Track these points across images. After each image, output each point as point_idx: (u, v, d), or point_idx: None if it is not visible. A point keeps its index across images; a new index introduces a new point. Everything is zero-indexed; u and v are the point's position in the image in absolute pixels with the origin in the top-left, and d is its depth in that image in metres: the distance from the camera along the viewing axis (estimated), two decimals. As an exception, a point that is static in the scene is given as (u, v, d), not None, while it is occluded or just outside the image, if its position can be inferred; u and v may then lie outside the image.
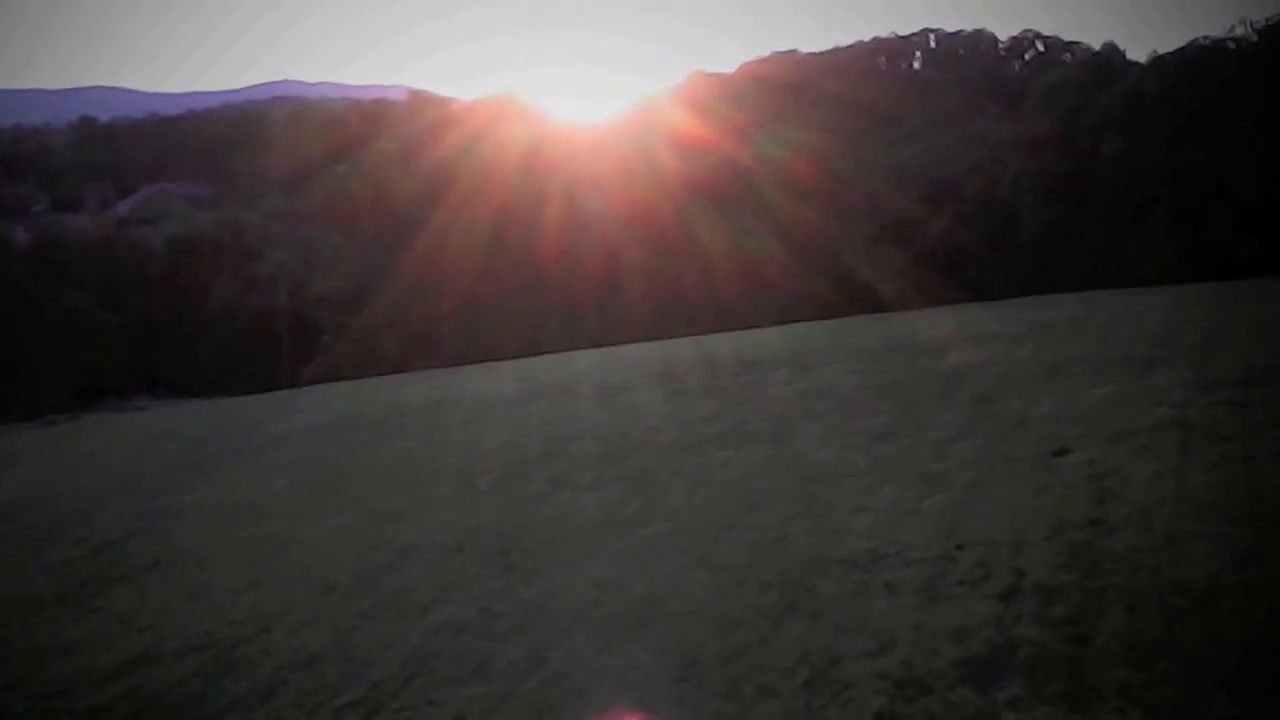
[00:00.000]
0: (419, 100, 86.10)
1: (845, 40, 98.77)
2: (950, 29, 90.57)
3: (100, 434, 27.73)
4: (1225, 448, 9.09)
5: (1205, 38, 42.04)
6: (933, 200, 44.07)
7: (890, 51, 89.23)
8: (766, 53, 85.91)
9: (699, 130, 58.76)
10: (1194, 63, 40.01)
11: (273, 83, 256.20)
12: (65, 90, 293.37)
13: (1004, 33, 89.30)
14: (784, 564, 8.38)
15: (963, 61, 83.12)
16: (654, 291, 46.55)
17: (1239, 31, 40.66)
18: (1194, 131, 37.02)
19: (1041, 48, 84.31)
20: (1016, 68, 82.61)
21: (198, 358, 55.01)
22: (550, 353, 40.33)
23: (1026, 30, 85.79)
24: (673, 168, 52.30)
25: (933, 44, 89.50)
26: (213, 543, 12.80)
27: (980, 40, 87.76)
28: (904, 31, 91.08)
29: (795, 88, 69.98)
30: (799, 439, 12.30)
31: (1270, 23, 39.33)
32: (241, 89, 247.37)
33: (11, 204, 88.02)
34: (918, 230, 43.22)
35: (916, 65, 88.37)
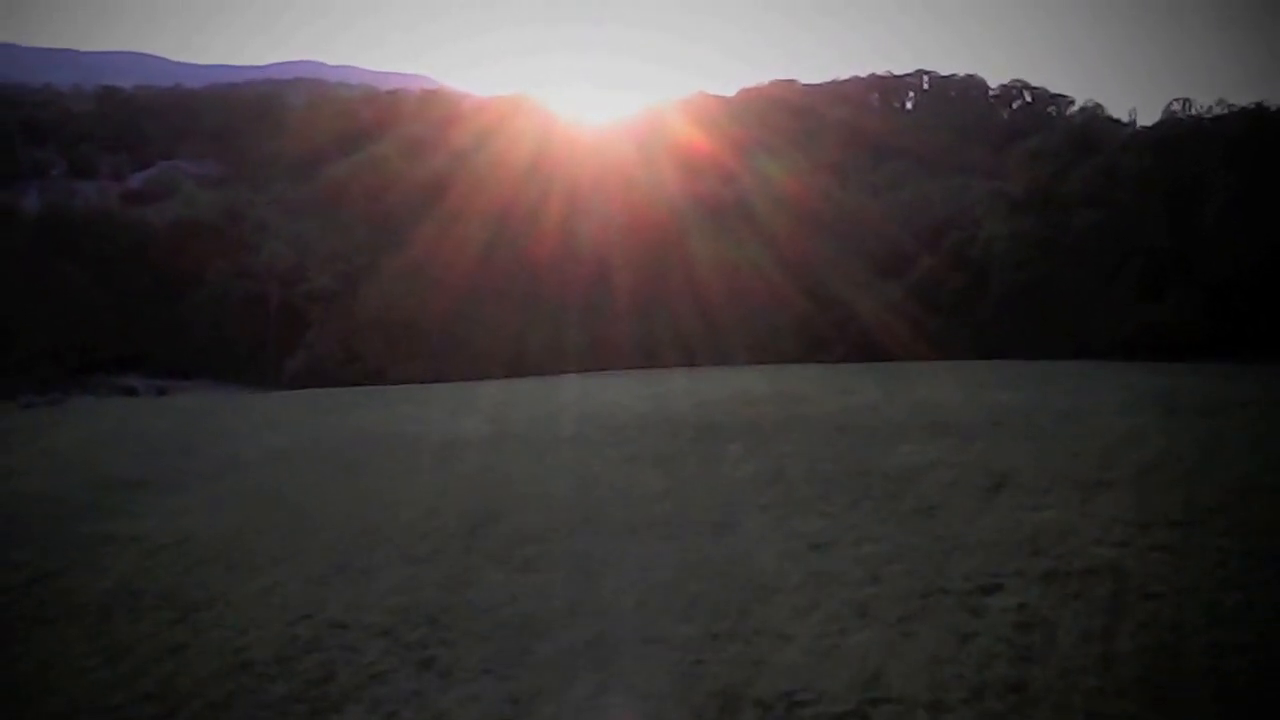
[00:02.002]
0: (431, 96, 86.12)
1: (843, 74, 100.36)
2: (944, 72, 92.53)
3: (72, 427, 27.54)
4: (1156, 607, 8.99)
5: (1184, 105, 42.39)
6: (914, 245, 44.66)
7: (885, 89, 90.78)
8: (766, 80, 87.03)
9: (700, 145, 58.76)
10: (1170, 143, 40.31)
11: (295, 63, 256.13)
12: (96, 53, 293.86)
13: (994, 80, 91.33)
14: (700, 698, 8.24)
15: (953, 104, 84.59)
16: (644, 310, 46.34)
17: (1216, 112, 41.03)
18: (1165, 211, 37.45)
19: (1029, 98, 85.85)
20: (1005, 115, 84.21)
21: (188, 340, 54.77)
22: (534, 367, 40.51)
23: (1016, 80, 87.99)
24: (672, 182, 52.10)
25: (926, 85, 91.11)
26: (147, 586, 12.64)
27: (972, 86, 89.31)
28: (899, 70, 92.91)
29: (794, 115, 70.33)
30: (740, 535, 12.18)
31: (1247, 108, 39.67)
32: (265, 66, 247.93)
33: (30, 167, 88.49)
34: (899, 270, 43.74)
35: (909, 105, 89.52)
